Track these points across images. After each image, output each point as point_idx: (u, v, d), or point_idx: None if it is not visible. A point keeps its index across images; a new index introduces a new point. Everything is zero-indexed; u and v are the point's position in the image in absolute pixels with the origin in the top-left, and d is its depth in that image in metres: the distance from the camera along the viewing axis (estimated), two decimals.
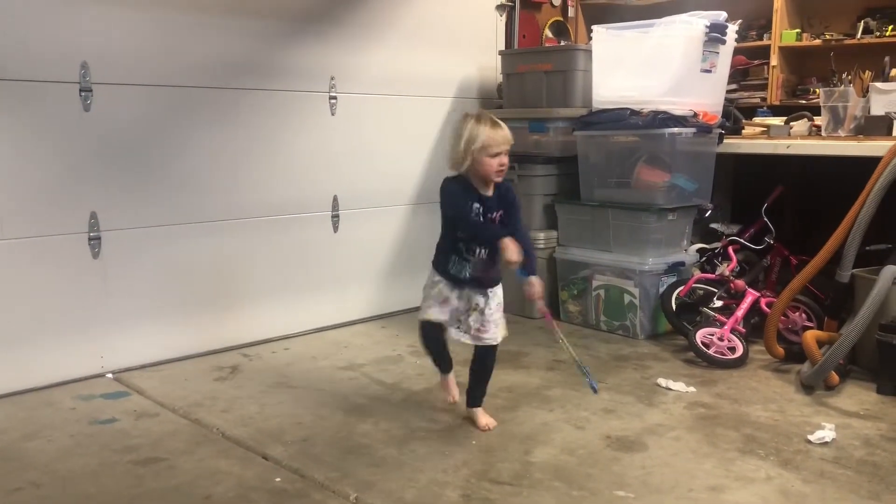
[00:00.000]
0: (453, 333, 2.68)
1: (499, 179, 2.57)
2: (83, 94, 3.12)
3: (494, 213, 2.60)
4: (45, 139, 3.06)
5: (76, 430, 2.72)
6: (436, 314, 2.66)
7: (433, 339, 2.76)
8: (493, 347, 2.69)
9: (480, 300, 2.63)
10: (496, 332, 2.66)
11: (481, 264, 2.61)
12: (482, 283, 2.63)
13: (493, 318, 2.64)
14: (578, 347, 3.68)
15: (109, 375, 3.27)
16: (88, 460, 2.48)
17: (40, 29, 3.00)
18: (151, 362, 3.40)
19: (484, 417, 2.74)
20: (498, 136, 2.50)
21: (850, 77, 4.14)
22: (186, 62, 3.42)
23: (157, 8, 3.30)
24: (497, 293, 2.67)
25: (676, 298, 3.73)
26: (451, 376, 2.88)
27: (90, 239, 3.20)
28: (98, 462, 2.47)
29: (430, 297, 2.67)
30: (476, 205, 2.57)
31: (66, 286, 3.16)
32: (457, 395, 2.86)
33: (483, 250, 2.59)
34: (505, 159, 2.53)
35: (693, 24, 3.80)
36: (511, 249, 2.45)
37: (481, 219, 2.58)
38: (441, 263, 2.66)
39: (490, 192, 2.59)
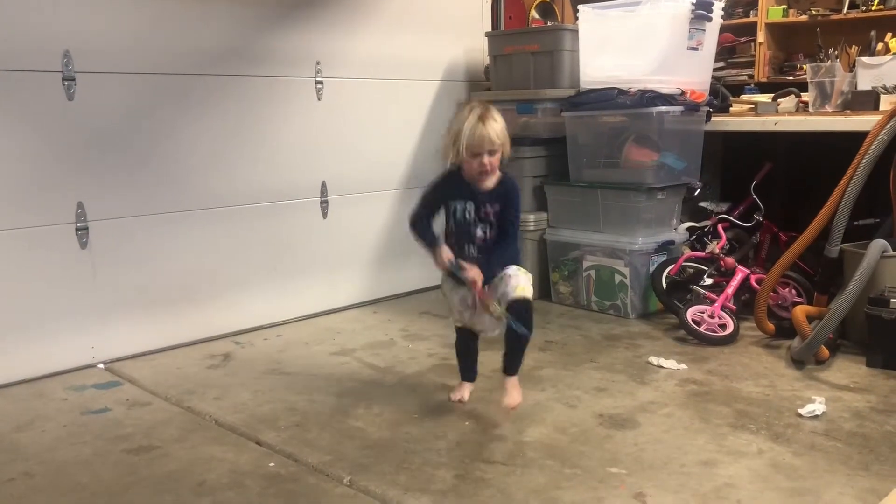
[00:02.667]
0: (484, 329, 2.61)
1: (484, 181, 2.45)
2: (66, 83, 3.10)
3: (488, 208, 2.49)
4: (28, 129, 3.03)
5: (68, 420, 2.72)
6: (464, 319, 2.61)
7: (465, 347, 2.73)
8: (527, 315, 2.49)
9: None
10: (519, 283, 2.47)
11: (478, 262, 2.49)
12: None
13: (511, 279, 2.48)
14: (571, 328, 3.69)
15: (101, 365, 3.26)
16: (81, 450, 2.48)
17: (21, 18, 2.97)
18: (143, 351, 3.39)
19: (512, 394, 2.56)
20: (478, 135, 2.37)
21: (836, 52, 4.15)
22: (171, 49, 3.39)
23: None
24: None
25: (667, 277, 3.74)
26: (468, 385, 2.78)
27: (77, 229, 3.18)
28: (91, 451, 2.47)
29: (449, 302, 2.63)
30: (460, 203, 2.49)
31: (54, 277, 3.14)
32: (465, 398, 2.73)
33: (471, 247, 2.52)
34: (488, 159, 2.41)
35: (679, 1, 3.78)
36: (468, 271, 2.43)
37: (468, 216, 2.49)
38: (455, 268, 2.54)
39: (488, 186, 2.48)
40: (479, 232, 2.52)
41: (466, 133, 2.38)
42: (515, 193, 2.53)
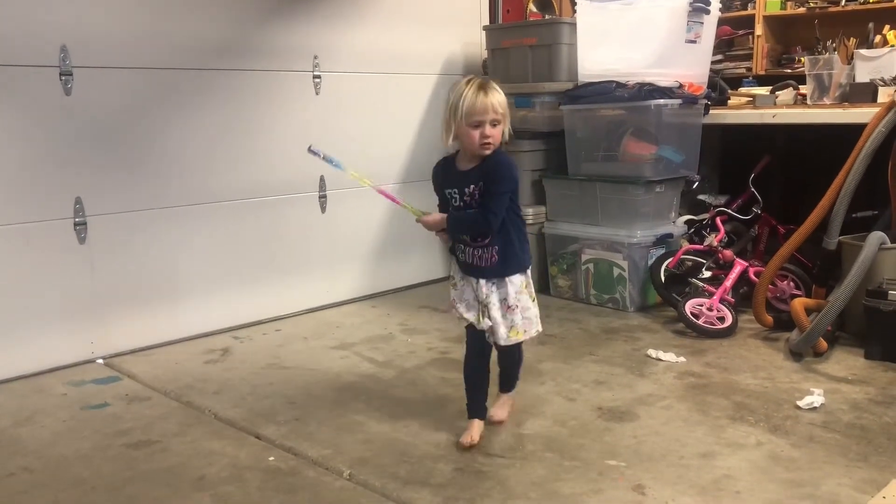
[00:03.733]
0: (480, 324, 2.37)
1: (485, 152, 2.24)
2: (63, 77, 3.09)
3: (472, 187, 2.27)
4: (26, 124, 3.03)
5: (68, 415, 2.72)
6: (461, 311, 2.40)
7: (473, 369, 2.46)
8: (513, 346, 2.41)
9: (485, 292, 2.33)
10: (505, 332, 2.35)
11: (472, 248, 2.33)
12: (483, 272, 2.33)
13: (498, 316, 2.34)
14: (570, 321, 3.70)
15: (100, 361, 3.26)
16: (81, 445, 2.48)
17: (18, 12, 2.96)
18: (142, 347, 3.39)
19: (498, 409, 2.50)
20: (480, 103, 2.19)
21: (834, 45, 4.14)
22: (168, 44, 3.38)
23: None
24: (505, 287, 2.34)
25: (665, 270, 3.74)
26: (478, 424, 2.45)
27: (76, 224, 3.18)
28: (91, 446, 2.47)
29: (452, 295, 2.45)
30: (450, 191, 2.32)
31: (53, 272, 3.14)
32: (476, 439, 2.41)
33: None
34: (489, 130, 2.21)
35: None
36: (429, 221, 2.33)
37: (454, 203, 2.32)
38: (453, 248, 2.43)
39: (472, 166, 2.29)
40: None
41: (467, 101, 2.20)
42: (502, 167, 2.28)
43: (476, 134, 2.23)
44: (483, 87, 2.22)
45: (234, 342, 3.50)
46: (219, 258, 3.64)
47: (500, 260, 2.32)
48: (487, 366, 2.48)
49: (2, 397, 2.89)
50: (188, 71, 3.46)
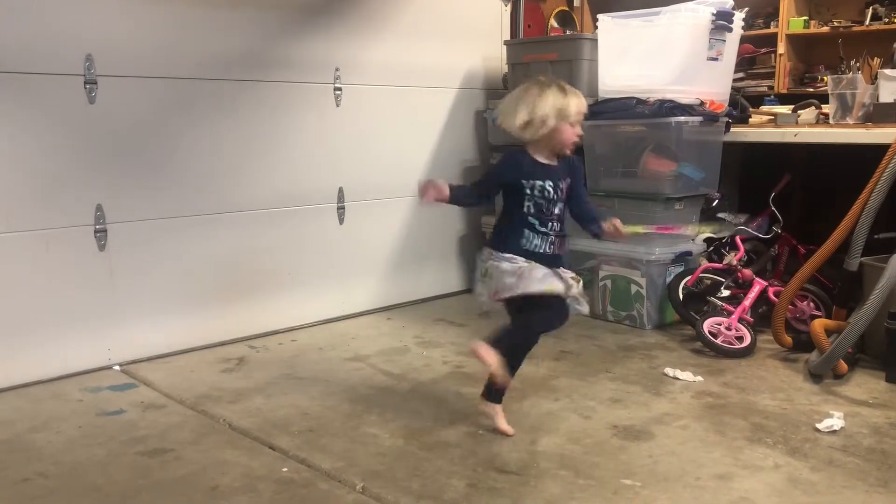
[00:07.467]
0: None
1: (572, 148, 2.50)
2: (88, 86, 3.13)
3: (562, 185, 2.50)
4: (50, 132, 3.06)
5: (83, 421, 2.73)
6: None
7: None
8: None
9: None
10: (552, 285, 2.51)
11: (558, 239, 2.52)
12: (558, 261, 2.53)
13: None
14: (586, 338, 3.67)
15: (116, 367, 3.28)
16: (96, 451, 2.49)
17: (45, 21, 3.00)
18: (158, 354, 3.40)
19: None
20: (578, 103, 2.45)
21: (858, 64, 4.11)
22: (192, 54, 3.41)
23: (161, 0, 3.29)
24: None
25: (683, 288, 3.72)
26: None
27: (96, 231, 3.20)
28: (105, 453, 2.48)
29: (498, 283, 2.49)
30: (540, 182, 2.46)
31: (72, 278, 3.16)
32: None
33: (554, 224, 2.50)
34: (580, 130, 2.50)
35: (699, 11, 3.77)
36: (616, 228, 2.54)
37: (548, 195, 2.46)
38: (509, 243, 2.49)
39: (554, 163, 2.50)
40: (558, 210, 2.52)
41: (572, 102, 2.43)
42: (581, 164, 2.62)
43: (573, 132, 2.46)
44: (567, 90, 2.44)
45: (249, 352, 3.51)
46: (236, 267, 3.66)
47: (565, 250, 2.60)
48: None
49: (18, 402, 2.91)
50: (211, 81, 3.48)
